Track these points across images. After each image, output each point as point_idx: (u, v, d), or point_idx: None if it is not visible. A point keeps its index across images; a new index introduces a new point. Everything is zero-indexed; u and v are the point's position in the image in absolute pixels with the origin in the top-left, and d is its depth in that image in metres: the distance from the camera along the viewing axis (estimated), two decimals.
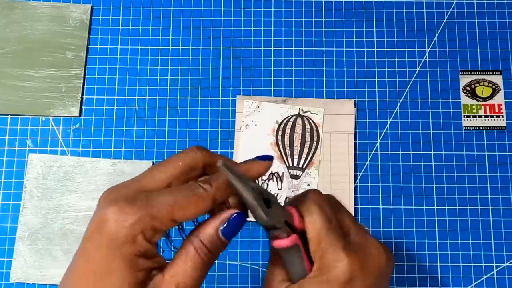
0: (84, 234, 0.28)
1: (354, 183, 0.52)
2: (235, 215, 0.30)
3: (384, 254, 0.32)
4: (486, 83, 0.55)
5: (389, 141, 0.53)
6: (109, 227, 0.27)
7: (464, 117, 0.54)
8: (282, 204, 0.33)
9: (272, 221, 0.30)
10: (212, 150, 0.52)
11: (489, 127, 0.54)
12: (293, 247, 0.30)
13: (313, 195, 0.33)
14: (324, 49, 0.56)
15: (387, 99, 0.54)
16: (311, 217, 0.31)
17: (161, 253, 0.30)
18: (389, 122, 0.54)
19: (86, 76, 0.55)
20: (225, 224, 0.29)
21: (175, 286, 0.28)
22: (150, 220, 0.27)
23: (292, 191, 0.52)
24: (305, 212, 0.31)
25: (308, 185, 0.52)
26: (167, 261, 0.29)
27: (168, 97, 0.54)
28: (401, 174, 0.52)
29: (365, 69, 0.55)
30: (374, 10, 0.57)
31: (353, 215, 0.34)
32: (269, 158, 0.33)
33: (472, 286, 0.50)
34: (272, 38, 0.56)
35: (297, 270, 0.31)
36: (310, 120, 0.53)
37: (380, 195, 0.52)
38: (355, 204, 0.52)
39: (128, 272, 0.27)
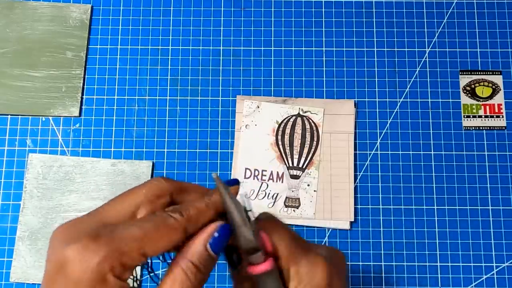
0: (42, 279, 0.25)
1: (354, 183, 0.52)
2: (221, 227, 0.28)
3: (340, 253, 0.32)
4: (486, 83, 0.55)
5: (389, 141, 0.53)
6: (72, 269, 0.24)
7: (464, 117, 0.54)
8: None
9: (257, 243, 0.28)
10: (212, 150, 0.53)
11: (489, 127, 0.54)
12: (273, 270, 0.29)
13: (269, 217, 0.31)
14: (324, 49, 0.56)
15: (387, 99, 0.54)
16: (278, 235, 0.29)
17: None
18: (389, 122, 0.54)
19: (86, 76, 0.55)
20: (214, 238, 0.27)
21: None
22: (118, 256, 0.24)
23: (292, 191, 0.52)
24: (271, 232, 0.30)
25: (308, 185, 0.52)
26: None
27: (168, 97, 0.54)
28: (401, 174, 0.52)
29: (365, 69, 0.55)
30: (374, 10, 0.57)
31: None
32: (236, 183, 0.30)
33: (472, 286, 0.50)
34: (272, 38, 0.56)
35: None
36: (310, 120, 0.53)
37: (380, 195, 0.52)
38: (355, 204, 0.52)
39: None
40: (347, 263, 0.35)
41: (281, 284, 0.30)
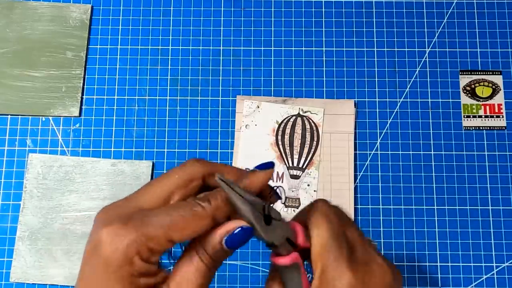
0: (83, 255, 0.28)
1: (354, 183, 0.52)
2: (240, 228, 0.28)
3: (390, 274, 0.30)
4: (486, 83, 0.55)
5: (389, 141, 0.53)
6: (104, 250, 0.26)
7: (464, 117, 0.54)
8: (289, 218, 0.32)
9: (271, 239, 0.29)
10: (212, 150, 0.53)
11: (489, 127, 0.54)
12: (293, 265, 0.30)
13: (322, 207, 0.31)
14: (324, 49, 0.56)
15: (387, 99, 0.54)
16: (317, 230, 0.30)
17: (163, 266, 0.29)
18: (389, 122, 0.54)
19: (86, 76, 0.55)
20: (230, 235, 0.28)
21: None
22: (145, 241, 0.26)
23: (292, 191, 0.52)
24: (312, 225, 0.30)
25: (308, 185, 0.52)
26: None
27: (168, 97, 0.54)
28: (401, 174, 0.52)
29: (365, 69, 0.55)
30: (374, 10, 0.57)
31: (361, 229, 0.33)
32: (270, 166, 0.31)
33: (472, 286, 0.50)
34: (272, 38, 0.56)
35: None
36: (310, 120, 0.53)
37: (380, 195, 0.52)
38: (355, 204, 0.52)
39: None
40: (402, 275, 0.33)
41: (302, 282, 0.30)
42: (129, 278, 0.26)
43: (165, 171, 0.52)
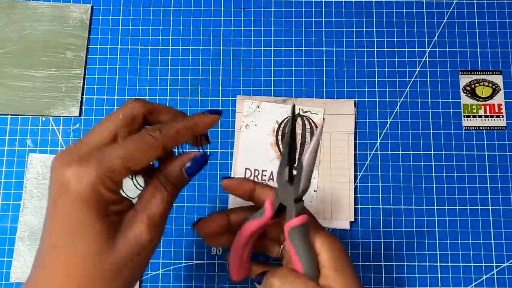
0: (47, 203, 0.30)
1: (354, 183, 0.52)
2: (198, 156, 0.34)
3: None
4: (486, 83, 0.55)
5: (389, 141, 0.53)
6: (72, 188, 0.28)
7: (464, 117, 0.54)
8: None
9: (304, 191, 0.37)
10: (212, 150, 0.53)
11: (489, 127, 0.54)
12: (306, 224, 0.35)
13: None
14: (324, 49, 0.56)
15: (387, 99, 0.54)
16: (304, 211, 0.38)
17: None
18: (389, 122, 0.54)
19: (86, 76, 0.55)
20: (189, 164, 0.33)
21: (147, 217, 0.31)
22: (108, 173, 0.29)
23: None
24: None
25: None
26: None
27: (168, 97, 0.54)
28: (401, 174, 0.52)
29: (365, 69, 0.55)
30: (374, 10, 0.57)
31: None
32: (217, 112, 0.36)
33: (472, 286, 0.50)
34: (272, 38, 0.56)
35: (308, 249, 0.35)
36: (310, 120, 0.53)
37: (380, 195, 0.52)
38: (355, 204, 0.52)
39: (100, 221, 0.29)
40: None
41: (309, 239, 0.36)
42: (99, 208, 0.29)
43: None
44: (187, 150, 0.35)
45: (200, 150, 0.35)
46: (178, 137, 0.33)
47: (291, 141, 0.35)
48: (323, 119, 0.34)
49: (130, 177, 0.34)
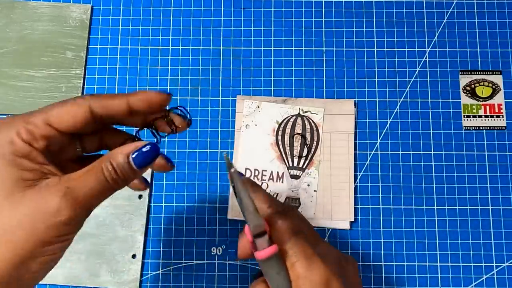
0: None
1: (354, 183, 0.52)
2: (148, 146, 0.30)
3: (350, 258, 0.35)
4: (486, 83, 0.55)
5: (389, 141, 0.53)
6: None
7: (464, 117, 0.54)
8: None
9: (264, 227, 0.30)
10: (212, 150, 0.53)
11: (489, 127, 0.54)
12: (276, 255, 0.31)
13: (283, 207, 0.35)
14: (324, 49, 0.56)
15: (387, 99, 0.54)
16: (280, 226, 0.32)
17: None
18: (389, 122, 0.54)
19: (86, 76, 0.55)
20: (136, 153, 0.30)
21: (65, 187, 0.28)
22: (23, 123, 0.29)
23: (292, 191, 0.52)
24: (274, 221, 0.32)
25: (308, 185, 0.52)
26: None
27: None
28: (401, 174, 0.52)
29: (365, 69, 0.55)
30: (374, 10, 0.57)
31: (313, 227, 0.37)
32: (166, 92, 0.33)
33: (472, 286, 0.50)
34: (272, 38, 0.56)
35: (281, 281, 0.31)
36: (310, 120, 0.53)
37: (380, 195, 0.52)
38: (355, 204, 0.52)
39: (8, 168, 0.28)
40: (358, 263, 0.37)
41: (284, 271, 0.31)
42: (9, 156, 0.28)
43: (164, 173, 0.52)
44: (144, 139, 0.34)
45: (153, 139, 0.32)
46: (109, 103, 0.31)
47: (233, 185, 0.32)
48: (226, 153, 0.32)
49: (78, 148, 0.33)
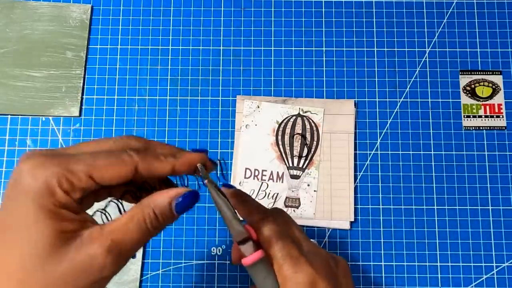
0: (4, 193, 0.28)
1: (354, 183, 0.52)
2: (190, 192, 0.30)
3: (341, 260, 0.35)
4: (486, 83, 0.55)
5: (389, 141, 0.53)
6: (24, 180, 0.26)
7: (464, 117, 0.54)
8: None
9: (246, 234, 0.30)
10: (212, 150, 0.53)
11: (489, 127, 0.54)
12: (262, 260, 0.31)
13: (275, 210, 0.35)
14: (324, 49, 0.56)
15: (387, 99, 0.54)
16: (268, 232, 0.32)
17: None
18: (389, 122, 0.54)
19: (86, 76, 0.55)
20: (180, 199, 0.29)
21: (110, 240, 0.27)
22: (66, 173, 0.27)
23: (292, 191, 0.52)
24: (259, 227, 0.32)
25: (308, 185, 0.52)
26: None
27: (168, 97, 0.54)
28: (401, 174, 0.52)
29: (365, 69, 0.55)
30: (374, 10, 0.57)
31: (302, 229, 0.36)
32: (204, 151, 0.33)
33: (472, 286, 0.50)
34: (272, 38, 0.56)
35: (269, 286, 0.31)
36: (310, 120, 0.53)
37: (380, 195, 0.52)
38: (355, 204, 0.52)
39: (49, 221, 0.26)
40: (348, 263, 0.37)
41: (272, 275, 0.31)
42: (49, 206, 0.26)
43: None
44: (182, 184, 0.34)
45: (191, 188, 0.31)
46: (155, 164, 0.30)
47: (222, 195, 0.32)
48: (199, 165, 0.32)
49: (110, 200, 0.31)
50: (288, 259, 0.31)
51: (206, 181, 0.31)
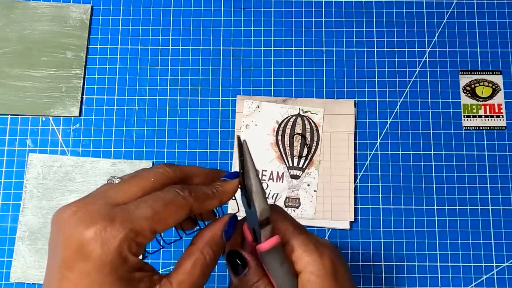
0: (52, 260, 0.26)
1: (354, 183, 0.52)
2: (232, 217, 0.31)
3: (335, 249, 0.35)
4: (486, 83, 0.55)
5: (389, 141, 0.53)
6: (95, 253, 0.25)
7: (464, 117, 0.54)
8: None
9: (269, 213, 0.30)
10: (212, 150, 0.53)
11: (489, 127, 0.54)
12: (278, 247, 0.31)
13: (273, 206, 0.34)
14: (324, 49, 0.56)
15: (387, 99, 0.54)
16: (283, 221, 0.32)
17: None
18: (389, 122, 0.54)
19: (86, 76, 0.55)
20: (227, 227, 0.30)
21: None
22: (134, 236, 0.26)
23: (292, 191, 0.52)
24: (276, 218, 0.32)
25: (308, 185, 0.52)
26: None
27: (168, 97, 0.54)
28: (401, 174, 0.52)
29: (365, 69, 0.55)
30: (374, 10, 0.57)
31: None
32: (237, 176, 0.32)
33: (472, 286, 0.50)
34: (272, 38, 0.56)
35: (284, 273, 0.31)
36: (310, 120, 0.53)
37: (380, 195, 0.52)
38: (355, 204, 0.52)
39: (125, 285, 0.26)
40: (347, 263, 0.36)
41: (287, 262, 0.31)
42: (125, 276, 0.25)
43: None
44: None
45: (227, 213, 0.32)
46: (207, 203, 0.30)
47: (242, 170, 0.32)
48: (244, 140, 0.32)
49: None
50: (309, 246, 0.31)
51: (243, 140, 0.31)
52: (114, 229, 0.25)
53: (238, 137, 0.31)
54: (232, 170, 0.52)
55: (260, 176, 0.52)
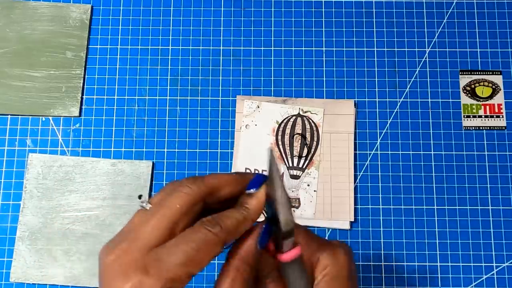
0: None
1: (354, 183, 0.52)
2: (266, 225, 0.30)
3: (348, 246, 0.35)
4: (486, 83, 0.55)
5: (389, 141, 0.53)
6: None
7: (464, 117, 0.54)
8: None
9: (293, 224, 0.30)
10: (212, 150, 0.53)
11: (489, 127, 0.54)
12: (301, 257, 0.31)
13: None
14: (324, 49, 0.56)
15: (387, 99, 0.54)
16: (297, 230, 0.31)
17: None
18: (389, 122, 0.54)
19: (86, 76, 0.55)
20: (261, 237, 0.29)
21: None
22: (170, 285, 0.26)
23: (292, 191, 0.52)
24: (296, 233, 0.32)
25: (308, 185, 0.52)
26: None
27: (168, 97, 0.54)
28: (401, 174, 0.52)
29: (365, 69, 0.55)
30: (374, 10, 0.57)
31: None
32: (263, 179, 0.31)
33: (472, 286, 0.50)
34: (272, 38, 0.56)
35: (304, 285, 0.31)
36: (310, 120, 0.53)
37: (380, 195, 0.52)
38: (355, 204, 0.52)
39: None
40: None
41: (306, 274, 0.31)
42: None
43: (164, 172, 0.52)
44: None
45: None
46: (239, 230, 0.29)
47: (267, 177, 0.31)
48: (270, 148, 0.31)
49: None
50: (325, 244, 0.32)
51: (271, 149, 0.30)
52: (150, 281, 0.26)
53: (270, 150, 0.30)
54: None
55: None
